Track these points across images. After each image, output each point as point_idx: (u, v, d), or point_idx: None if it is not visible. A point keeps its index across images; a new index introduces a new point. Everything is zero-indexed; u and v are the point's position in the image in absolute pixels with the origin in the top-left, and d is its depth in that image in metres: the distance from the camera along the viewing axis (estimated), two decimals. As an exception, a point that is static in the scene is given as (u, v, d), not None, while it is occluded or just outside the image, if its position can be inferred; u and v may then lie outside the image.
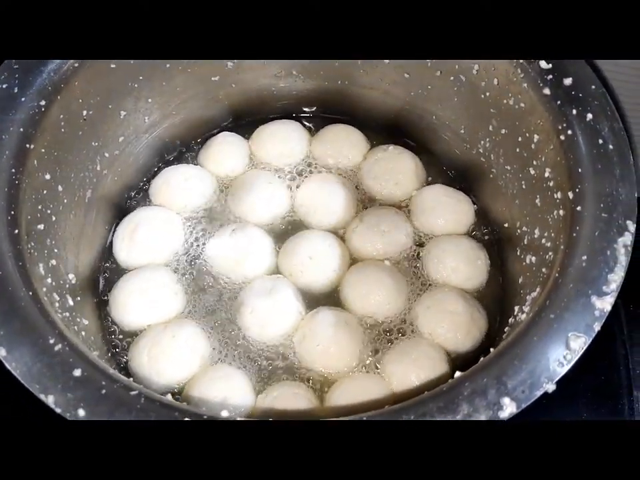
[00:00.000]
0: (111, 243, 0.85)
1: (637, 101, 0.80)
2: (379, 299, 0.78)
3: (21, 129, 0.63)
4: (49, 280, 0.62)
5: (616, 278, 0.53)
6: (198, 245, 0.85)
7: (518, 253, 0.75)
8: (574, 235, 0.57)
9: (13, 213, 0.59)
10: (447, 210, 0.85)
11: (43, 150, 0.66)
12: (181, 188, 0.87)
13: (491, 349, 0.53)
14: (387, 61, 0.85)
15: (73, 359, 0.50)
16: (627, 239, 0.55)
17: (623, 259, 0.54)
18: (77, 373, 0.49)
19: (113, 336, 0.78)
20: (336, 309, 0.78)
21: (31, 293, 0.54)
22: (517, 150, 0.73)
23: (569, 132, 0.62)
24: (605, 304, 0.52)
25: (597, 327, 0.51)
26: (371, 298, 0.78)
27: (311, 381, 0.74)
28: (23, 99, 0.64)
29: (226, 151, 0.91)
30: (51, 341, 0.51)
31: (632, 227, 0.56)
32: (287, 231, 0.87)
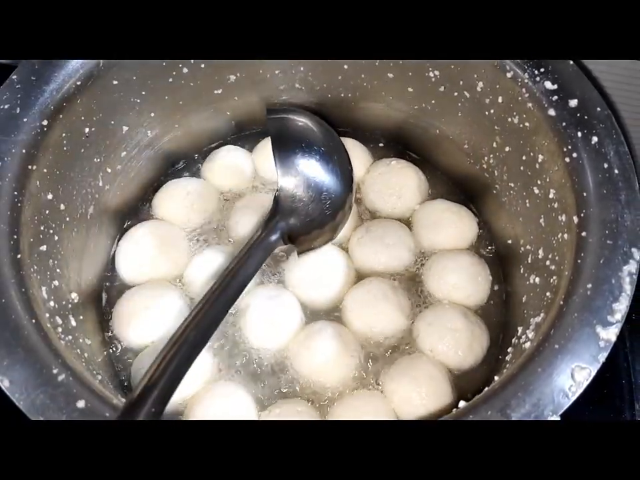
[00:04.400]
0: (113, 256, 0.85)
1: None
2: (382, 316, 0.78)
3: (23, 150, 0.62)
4: (52, 303, 0.62)
5: (621, 307, 0.53)
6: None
7: (522, 271, 0.75)
8: (578, 261, 0.57)
9: (15, 237, 0.58)
10: (449, 225, 0.85)
11: (45, 170, 0.65)
12: (183, 202, 0.86)
13: (495, 377, 0.53)
14: (390, 74, 0.84)
15: (76, 389, 0.50)
16: (632, 267, 0.55)
17: (628, 288, 0.54)
18: (81, 404, 0.49)
19: (115, 352, 0.77)
20: (332, 321, 0.78)
21: (33, 321, 0.54)
22: (522, 168, 0.73)
23: (574, 155, 0.62)
24: (609, 334, 0.51)
25: (602, 358, 0.51)
26: (374, 315, 0.78)
27: (313, 398, 0.74)
28: (25, 120, 0.64)
29: (229, 166, 0.91)
30: (55, 371, 0.51)
31: (637, 254, 0.55)
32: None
